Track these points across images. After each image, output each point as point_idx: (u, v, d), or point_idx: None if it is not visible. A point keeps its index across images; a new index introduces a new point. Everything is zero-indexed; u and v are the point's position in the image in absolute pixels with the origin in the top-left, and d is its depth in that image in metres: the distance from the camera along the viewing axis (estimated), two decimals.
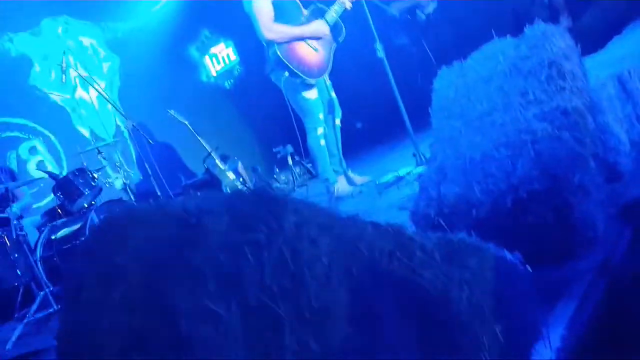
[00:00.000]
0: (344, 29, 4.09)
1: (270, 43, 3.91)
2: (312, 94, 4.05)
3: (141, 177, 5.41)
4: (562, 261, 1.65)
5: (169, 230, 0.83)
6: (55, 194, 4.08)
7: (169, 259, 0.81)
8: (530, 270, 1.30)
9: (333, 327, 0.94)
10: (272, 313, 0.86)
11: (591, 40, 3.44)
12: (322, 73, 4.02)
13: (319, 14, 4.08)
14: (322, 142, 4.21)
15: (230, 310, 0.83)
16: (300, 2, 4.20)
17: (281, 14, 3.96)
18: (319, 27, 3.98)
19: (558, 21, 4.72)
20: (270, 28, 3.87)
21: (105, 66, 5.59)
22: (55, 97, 5.16)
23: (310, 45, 3.99)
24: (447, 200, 1.82)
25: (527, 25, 2.04)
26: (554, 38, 1.93)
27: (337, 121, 4.36)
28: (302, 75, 3.91)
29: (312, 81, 3.98)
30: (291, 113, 4.01)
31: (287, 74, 3.94)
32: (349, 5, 4.00)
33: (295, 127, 4.17)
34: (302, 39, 3.94)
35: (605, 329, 1.62)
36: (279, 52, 3.90)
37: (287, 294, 0.88)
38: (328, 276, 0.93)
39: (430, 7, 4.96)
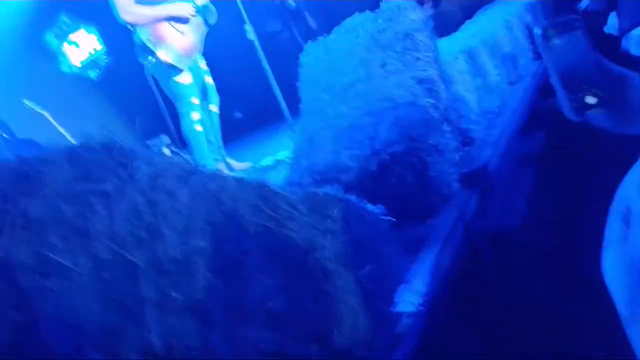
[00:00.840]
0: (214, 12, 4.01)
1: (135, 27, 3.74)
2: (184, 78, 3.93)
3: None
4: (421, 218, 1.78)
5: (2, 181, 0.76)
6: None
7: (2, 211, 0.74)
8: (392, 220, 1.38)
9: (195, 277, 0.92)
10: (127, 263, 0.82)
11: (448, 25, 3.72)
12: (190, 57, 3.91)
13: None
14: (198, 127, 4.09)
15: (77, 262, 0.78)
16: None
17: None
18: (181, 7, 3.85)
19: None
20: (127, 10, 3.69)
21: None
22: None
23: (177, 28, 3.86)
24: (318, 168, 1.87)
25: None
26: (407, 11, 2.06)
27: (214, 107, 4.26)
28: (164, 59, 3.78)
29: (180, 65, 3.86)
30: (160, 100, 3.87)
31: (151, 58, 3.79)
32: None
33: (168, 115, 4.03)
34: (165, 20, 3.80)
35: (462, 276, 1.78)
36: (142, 36, 3.74)
37: (142, 245, 0.85)
38: (187, 227, 0.92)
39: None
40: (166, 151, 5.64)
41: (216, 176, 1.11)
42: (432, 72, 2.01)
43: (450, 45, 2.80)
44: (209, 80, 4.18)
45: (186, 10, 3.85)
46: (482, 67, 2.58)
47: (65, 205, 0.77)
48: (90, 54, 6.22)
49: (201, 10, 3.96)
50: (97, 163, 0.88)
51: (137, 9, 3.72)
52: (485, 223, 2.00)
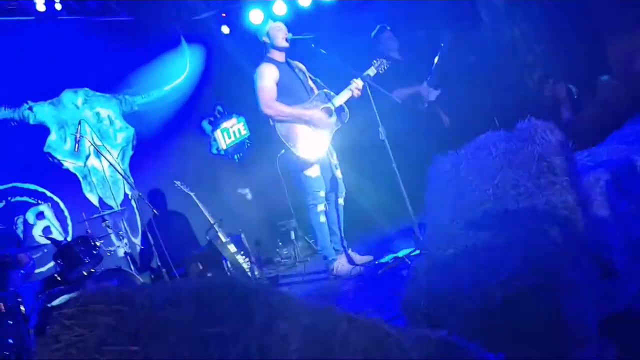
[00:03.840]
0: (347, 112, 4.23)
1: (274, 121, 4.06)
2: (312, 172, 4.13)
3: (142, 247, 5.42)
4: None
5: (131, 323, 0.83)
6: (55, 260, 4.08)
7: (129, 353, 0.81)
8: None
9: None
10: None
11: (590, 133, 3.51)
12: (319, 153, 4.11)
13: (327, 98, 4.25)
14: (323, 218, 4.23)
15: None
16: (315, 84, 4.38)
17: (286, 94, 4.14)
18: (318, 115, 4.13)
19: (560, 113, 4.85)
20: (269, 105, 4.05)
21: (120, 136, 5.77)
22: (68, 164, 5.29)
23: (310, 126, 4.12)
24: (437, 292, 1.80)
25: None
26: (544, 133, 1.99)
27: (340, 200, 4.40)
28: (295, 153, 4.02)
29: (310, 160, 4.07)
30: (285, 189, 4.10)
31: (283, 151, 4.06)
32: (357, 93, 4.16)
33: (290, 204, 4.24)
34: (300, 120, 4.08)
35: None
36: (277, 130, 4.04)
37: None
38: None
39: (432, 95, 5.14)
40: (292, 234, 5.88)
41: (329, 315, 1.11)
42: (569, 198, 1.88)
43: (592, 160, 2.62)
44: (338, 173, 4.35)
45: (322, 119, 4.11)
46: (630, 189, 2.36)
47: (185, 349, 0.82)
48: (236, 137, 6.84)
49: (337, 111, 4.20)
50: (219, 304, 0.93)
51: (278, 106, 4.07)
52: None
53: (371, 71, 4.26)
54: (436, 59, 5.19)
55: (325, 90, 4.30)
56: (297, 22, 5.73)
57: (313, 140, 4.10)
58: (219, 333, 0.89)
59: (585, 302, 1.67)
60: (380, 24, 5.48)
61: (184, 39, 6.41)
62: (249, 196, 4.87)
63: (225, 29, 6.36)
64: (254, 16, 5.54)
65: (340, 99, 4.20)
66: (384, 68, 4.29)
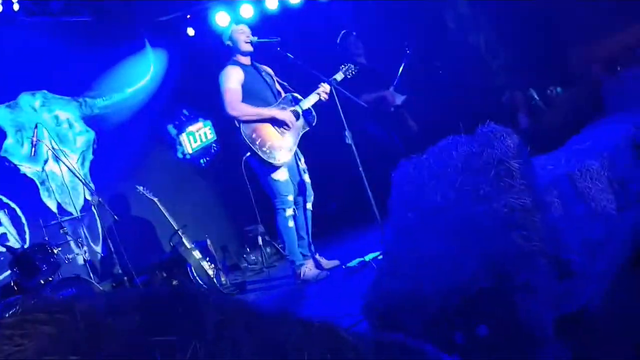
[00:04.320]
0: (315, 116, 4.23)
1: (240, 123, 4.03)
2: (281, 175, 4.10)
3: (103, 255, 5.28)
4: None
5: (72, 332, 0.80)
6: (11, 268, 3.94)
7: None
8: None
9: None
10: None
11: (551, 139, 3.60)
12: (285, 157, 4.09)
13: (294, 102, 4.24)
14: (291, 223, 4.20)
15: None
16: (283, 88, 4.37)
17: (252, 96, 4.11)
18: (285, 114, 4.11)
19: (517, 120, 4.96)
20: (233, 107, 4.02)
21: (80, 140, 5.61)
22: (26, 169, 5.12)
23: (276, 129, 4.10)
24: (397, 296, 1.80)
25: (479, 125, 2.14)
26: (503, 138, 2.01)
27: (308, 205, 4.38)
28: (262, 157, 3.99)
29: (277, 163, 4.04)
30: (250, 193, 4.06)
31: (249, 154, 4.03)
32: (324, 97, 4.17)
33: (255, 208, 4.20)
34: (266, 121, 4.05)
35: None
36: (242, 132, 4.01)
37: None
38: None
39: (399, 100, 5.19)
40: (259, 240, 5.82)
41: (284, 322, 1.09)
42: (526, 201, 1.91)
43: (551, 164, 2.68)
44: (306, 178, 4.33)
45: (289, 117, 4.10)
46: (585, 193, 2.42)
47: (128, 358, 0.79)
48: (202, 141, 6.75)
49: (304, 114, 4.19)
50: (166, 312, 0.90)
51: (243, 107, 4.03)
52: None
53: (338, 76, 4.28)
54: (402, 65, 5.24)
55: (292, 93, 4.30)
56: (264, 25, 5.72)
57: (279, 143, 4.08)
58: (166, 341, 0.86)
59: (541, 303, 1.70)
60: (345, 30, 5.51)
61: (147, 41, 6.29)
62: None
63: (190, 31, 6.27)
64: (220, 18, 5.49)
65: (308, 102, 4.19)
66: (351, 73, 4.31)
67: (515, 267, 1.66)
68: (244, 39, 4.13)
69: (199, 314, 0.93)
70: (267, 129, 4.08)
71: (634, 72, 4.89)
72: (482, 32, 5.74)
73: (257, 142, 4.02)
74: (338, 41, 5.50)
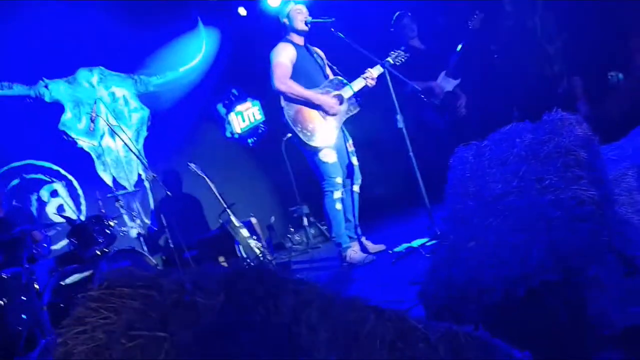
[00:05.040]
0: (360, 100, 4.18)
1: (285, 104, 4.04)
2: (329, 157, 4.09)
3: (155, 229, 5.44)
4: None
5: (159, 308, 0.81)
6: (69, 239, 4.11)
7: (157, 338, 0.79)
8: None
9: None
10: None
11: (611, 128, 3.45)
12: (326, 141, 4.06)
13: (340, 85, 4.20)
14: (339, 206, 4.20)
15: None
16: (332, 71, 4.33)
17: (301, 76, 4.10)
18: (329, 101, 4.08)
19: (577, 107, 4.77)
20: (282, 81, 4.01)
21: (135, 117, 5.76)
22: (83, 143, 5.30)
23: (320, 111, 4.08)
24: (458, 284, 1.77)
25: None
26: (572, 126, 1.93)
27: (356, 187, 4.37)
28: (302, 139, 3.99)
29: (319, 145, 4.02)
30: (290, 174, 4.07)
31: (290, 135, 4.04)
32: (370, 83, 4.11)
33: (296, 188, 4.20)
34: (310, 104, 4.04)
35: None
36: (285, 112, 4.01)
37: None
38: None
39: (450, 86, 5.05)
40: (304, 220, 5.87)
41: (357, 307, 1.08)
42: (595, 193, 1.83)
43: (617, 155, 2.56)
44: (354, 161, 4.31)
45: (333, 105, 4.06)
46: None
47: (214, 339, 0.80)
48: (250, 122, 6.81)
49: (349, 99, 4.15)
50: (249, 292, 0.91)
51: (290, 83, 4.03)
52: None
53: (389, 60, 4.20)
54: (459, 48, 5.08)
55: (339, 77, 4.26)
56: (316, 6, 5.67)
57: (321, 125, 4.06)
58: (249, 321, 0.87)
59: (610, 299, 1.64)
60: (400, 11, 5.40)
61: (200, 20, 6.36)
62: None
63: (242, 11, 6.29)
64: None
65: (354, 87, 4.15)
66: (401, 60, 4.22)
67: (584, 261, 1.61)
68: (302, 18, 4.12)
69: (278, 297, 0.93)
70: (310, 111, 4.07)
71: None
72: (538, 15, 5.52)
73: (299, 124, 4.02)
74: (392, 22, 5.40)
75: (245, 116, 6.77)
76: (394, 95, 3.84)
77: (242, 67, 6.39)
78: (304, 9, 4.17)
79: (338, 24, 4.10)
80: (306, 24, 4.12)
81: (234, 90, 6.72)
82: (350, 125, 4.26)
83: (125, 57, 5.66)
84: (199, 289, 0.87)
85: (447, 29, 5.38)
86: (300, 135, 4.00)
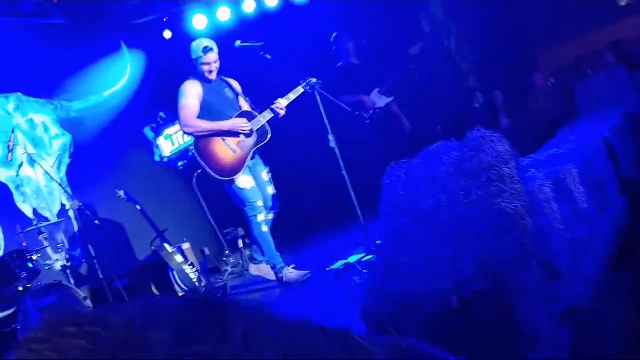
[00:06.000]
0: (269, 132, 4.20)
1: (194, 137, 4.06)
2: (246, 183, 4.09)
3: (83, 260, 5.18)
4: None
5: (108, 346, 0.80)
6: None
7: None
8: None
9: None
10: None
11: (529, 141, 3.71)
12: (235, 173, 4.06)
13: (249, 117, 4.20)
14: (265, 228, 4.20)
15: None
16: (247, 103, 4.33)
17: (211, 112, 4.10)
18: (237, 122, 4.10)
19: (498, 121, 5.08)
20: (187, 124, 4.05)
21: (56, 144, 5.49)
22: (0, 174, 4.99)
23: (228, 145, 4.08)
24: (395, 298, 1.84)
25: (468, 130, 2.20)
26: (493, 143, 2.07)
27: (270, 216, 4.34)
28: (211, 172, 3.99)
29: (226, 179, 4.04)
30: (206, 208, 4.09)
31: (200, 171, 4.07)
32: (281, 113, 4.14)
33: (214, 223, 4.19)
34: (219, 135, 4.04)
35: None
36: (193, 148, 4.03)
37: None
38: None
39: (382, 102, 5.22)
40: (239, 242, 5.81)
41: (305, 330, 1.11)
42: (518, 205, 1.97)
43: (534, 167, 2.76)
44: (269, 190, 4.32)
45: (242, 124, 4.07)
46: (569, 194, 2.51)
47: None
48: (180, 144, 6.68)
49: (258, 131, 4.17)
50: (198, 322, 0.91)
51: (197, 122, 4.03)
52: None
53: (292, 94, 4.17)
54: (395, 67, 5.28)
55: (246, 110, 4.26)
56: (242, 27, 5.70)
57: (229, 160, 4.07)
58: (200, 352, 0.88)
59: (536, 303, 1.76)
60: (336, 32, 5.54)
61: (124, 43, 6.20)
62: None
63: (167, 34, 6.21)
64: (198, 21, 5.45)
65: (261, 120, 4.18)
66: (309, 89, 4.14)
67: (510, 270, 1.72)
68: (208, 69, 4.11)
69: (227, 324, 0.94)
70: (218, 146, 4.07)
71: (603, 75, 5.08)
72: (453, 35, 5.86)
73: (205, 159, 4.02)
74: (332, 41, 5.51)
75: (174, 139, 6.64)
76: (324, 116, 3.93)
77: (169, 89, 6.24)
78: (213, 60, 4.12)
79: (269, 48, 4.14)
80: (213, 73, 4.12)
81: (161, 114, 6.58)
82: (284, 147, 4.30)
83: (44, 82, 5.40)
84: (149, 324, 0.86)
85: (385, 49, 5.57)
86: (208, 170, 4.00)
